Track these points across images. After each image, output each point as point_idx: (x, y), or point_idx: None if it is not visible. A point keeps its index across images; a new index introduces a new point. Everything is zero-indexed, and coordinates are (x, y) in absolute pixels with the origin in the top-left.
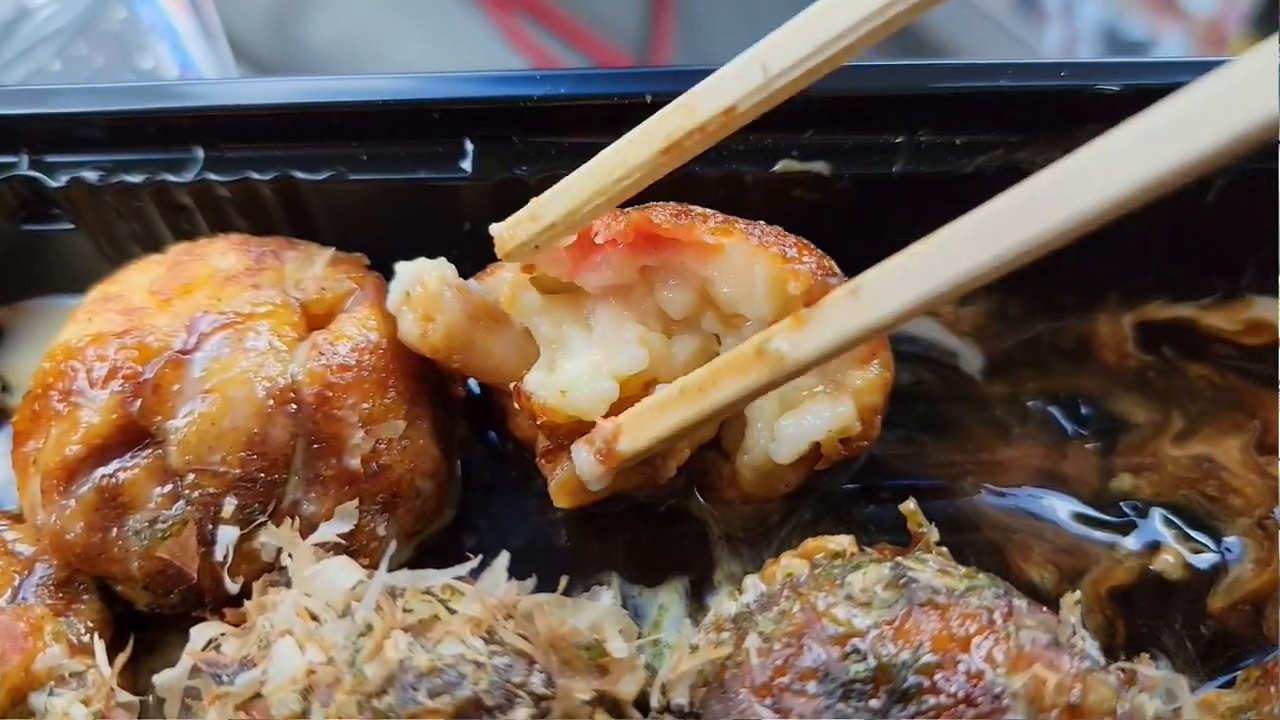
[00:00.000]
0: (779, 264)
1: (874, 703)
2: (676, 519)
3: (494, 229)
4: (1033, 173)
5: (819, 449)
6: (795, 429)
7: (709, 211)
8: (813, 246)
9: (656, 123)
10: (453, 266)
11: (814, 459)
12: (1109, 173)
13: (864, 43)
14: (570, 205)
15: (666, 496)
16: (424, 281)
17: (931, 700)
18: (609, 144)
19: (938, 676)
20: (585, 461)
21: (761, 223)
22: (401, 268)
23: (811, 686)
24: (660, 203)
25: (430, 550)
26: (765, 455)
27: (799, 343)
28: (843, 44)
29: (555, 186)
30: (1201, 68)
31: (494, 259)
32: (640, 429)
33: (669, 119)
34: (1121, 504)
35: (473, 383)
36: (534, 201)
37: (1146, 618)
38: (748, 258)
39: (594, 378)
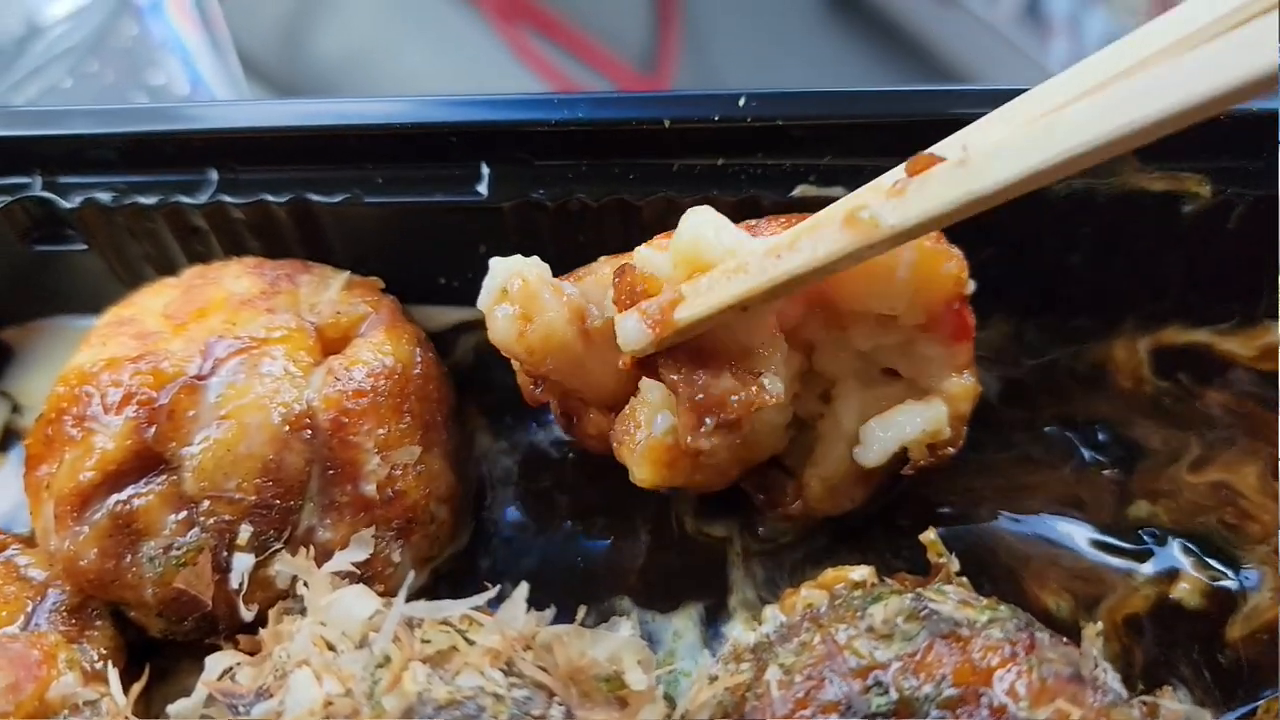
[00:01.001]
0: (933, 257)
1: None
2: (690, 543)
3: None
4: (1053, 198)
5: (904, 455)
6: (886, 430)
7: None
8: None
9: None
10: (547, 265)
11: (896, 466)
12: (1222, 65)
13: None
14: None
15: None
16: (524, 277)
17: None
18: (626, 167)
19: (960, 711)
20: (633, 327)
21: None
22: (497, 263)
23: None
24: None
25: (445, 576)
26: (837, 467)
27: (896, 209)
28: None
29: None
30: None
31: None
32: (700, 296)
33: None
34: (1139, 531)
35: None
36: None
37: (1163, 646)
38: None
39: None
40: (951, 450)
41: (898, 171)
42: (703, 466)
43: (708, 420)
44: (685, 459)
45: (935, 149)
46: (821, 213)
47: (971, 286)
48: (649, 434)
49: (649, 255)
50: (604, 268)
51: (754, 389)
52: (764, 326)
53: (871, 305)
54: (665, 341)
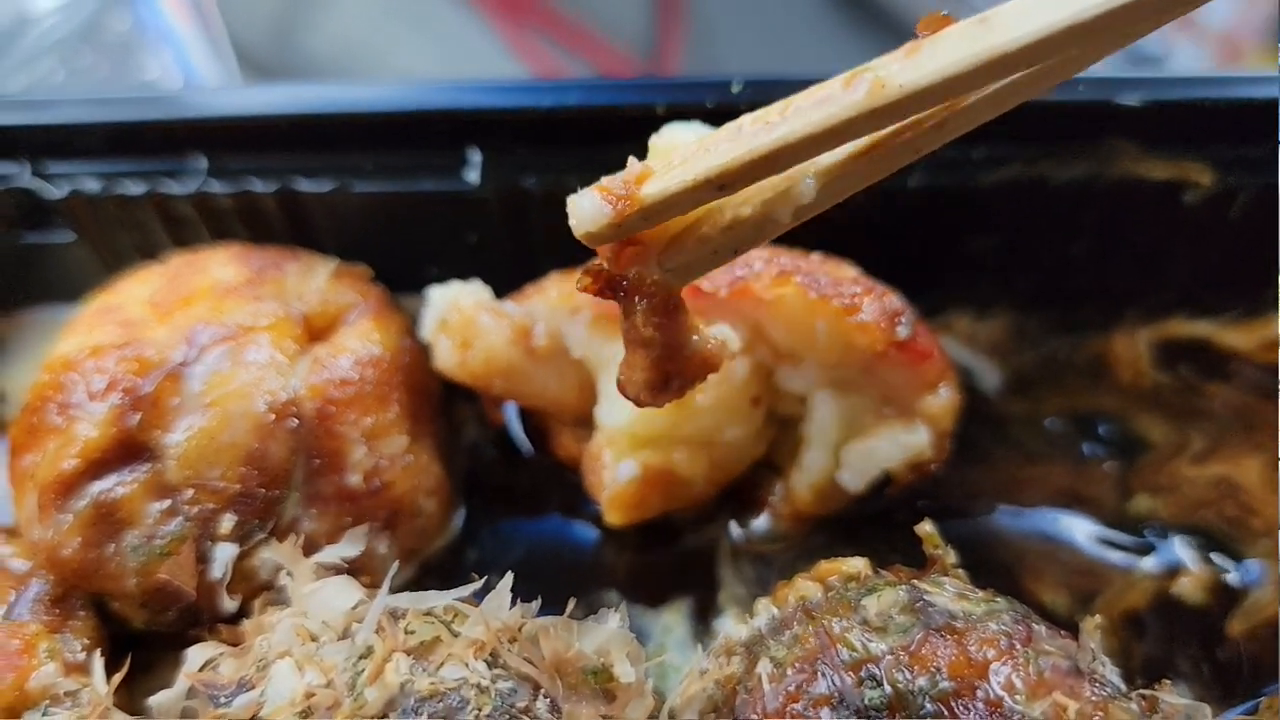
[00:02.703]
0: (841, 318)
1: None
2: (680, 538)
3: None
4: (1054, 186)
5: (888, 475)
6: (867, 457)
7: (764, 253)
8: (872, 285)
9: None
10: (488, 289)
11: (882, 483)
12: None
13: None
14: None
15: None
16: (460, 307)
17: None
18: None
19: (955, 704)
20: (590, 204)
21: (817, 260)
22: (435, 293)
23: (825, 714)
24: None
25: (432, 569)
26: (823, 475)
27: (908, 68)
28: None
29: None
30: (1218, 82)
31: (504, 272)
32: (673, 170)
33: None
34: (1140, 526)
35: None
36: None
37: (1162, 642)
38: (807, 311)
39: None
40: (934, 467)
41: None
42: (676, 495)
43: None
44: (654, 496)
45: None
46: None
47: (903, 333)
48: (615, 480)
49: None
50: (551, 290)
51: (713, 343)
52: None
53: (809, 357)
54: (627, 224)
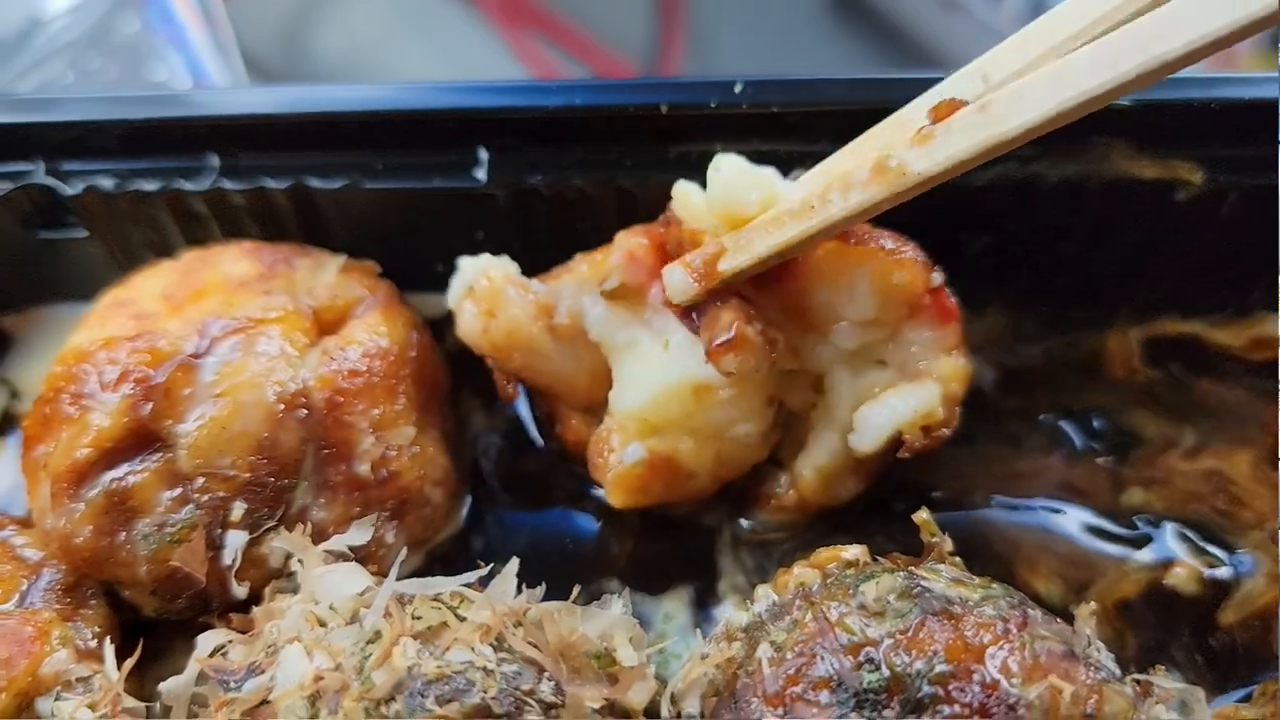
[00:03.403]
0: (883, 259)
1: (887, 713)
2: (680, 528)
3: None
4: (1047, 186)
5: (899, 440)
6: (879, 416)
7: None
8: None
9: (870, 135)
10: (515, 265)
11: (890, 452)
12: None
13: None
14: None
15: (717, 510)
16: (489, 276)
17: (946, 710)
18: (623, 153)
19: (952, 687)
20: (679, 279)
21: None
22: (465, 262)
23: (824, 696)
24: None
25: (439, 557)
26: (832, 458)
27: (923, 156)
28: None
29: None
30: (1209, 83)
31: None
32: (743, 248)
33: (881, 134)
34: (1135, 518)
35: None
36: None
37: (1155, 630)
38: (847, 261)
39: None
40: (946, 432)
41: (916, 110)
42: (679, 485)
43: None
44: (657, 483)
45: (957, 81)
46: (845, 156)
47: (937, 280)
48: (621, 462)
49: (688, 195)
50: (581, 265)
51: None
52: None
53: (845, 315)
54: (710, 291)
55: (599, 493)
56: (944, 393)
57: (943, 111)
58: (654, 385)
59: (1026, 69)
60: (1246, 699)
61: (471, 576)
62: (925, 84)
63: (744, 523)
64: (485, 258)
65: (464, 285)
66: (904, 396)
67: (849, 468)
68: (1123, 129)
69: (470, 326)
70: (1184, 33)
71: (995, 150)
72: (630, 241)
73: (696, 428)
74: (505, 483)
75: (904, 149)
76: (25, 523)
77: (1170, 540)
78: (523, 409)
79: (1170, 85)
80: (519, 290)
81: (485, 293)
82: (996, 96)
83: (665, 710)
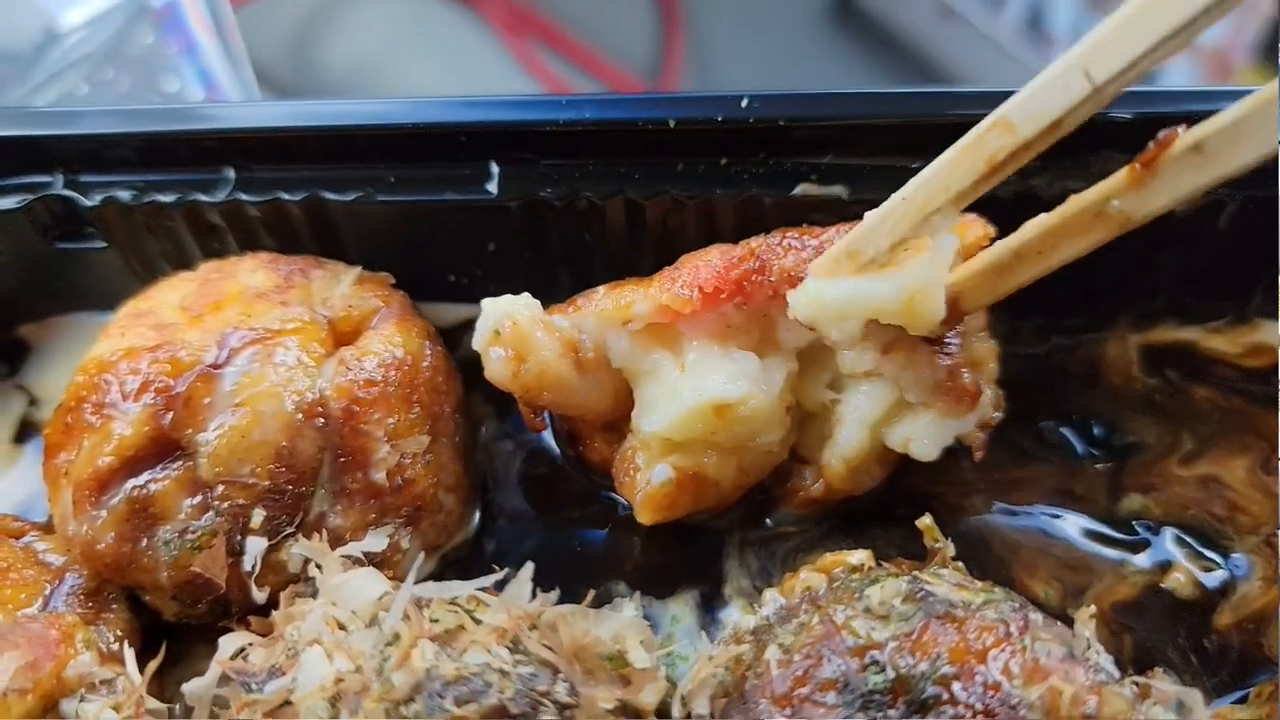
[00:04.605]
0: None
1: (892, 713)
2: (686, 532)
3: (813, 268)
4: (1047, 197)
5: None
6: (938, 430)
7: (797, 244)
8: None
9: (975, 141)
10: (538, 303)
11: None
12: None
13: (1184, 41)
14: (892, 238)
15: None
16: (516, 320)
17: (949, 711)
18: (631, 167)
19: (955, 687)
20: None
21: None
22: (489, 304)
23: (831, 697)
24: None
25: (452, 562)
26: (859, 451)
27: (1143, 201)
28: (1169, 44)
29: (868, 221)
30: (1206, 95)
31: (522, 280)
32: (979, 292)
33: (989, 139)
34: (1134, 523)
35: None
36: (848, 240)
37: (1151, 632)
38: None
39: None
40: (999, 416)
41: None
42: (705, 496)
43: None
44: (685, 498)
45: (1053, 79)
46: (1066, 212)
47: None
48: (649, 482)
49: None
50: (605, 301)
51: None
52: None
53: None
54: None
55: (607, 497)
56: (987, 378)
57: (1154, 155)
58: (676, 407)
59: (1136, 63)
60: (1242, 700)
61: (487, 581)
62: (929, 98)
63: (749, 528)
64: (507, 299)
65: (489, 330)
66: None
67: (875, 457)
68: (1122, 142)
69: (500, 372)
70: None
71: (1209, 188)
72: (663, 296)
73: (719, 442)
74: (516, 488)
75: (1121, 194)
76: (47, 529)
77: (1169, 545)
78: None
79: (1168, 99)
80: (545, 331)
81: (512, 336)
82: (1210, 137)
83: (676, 710)
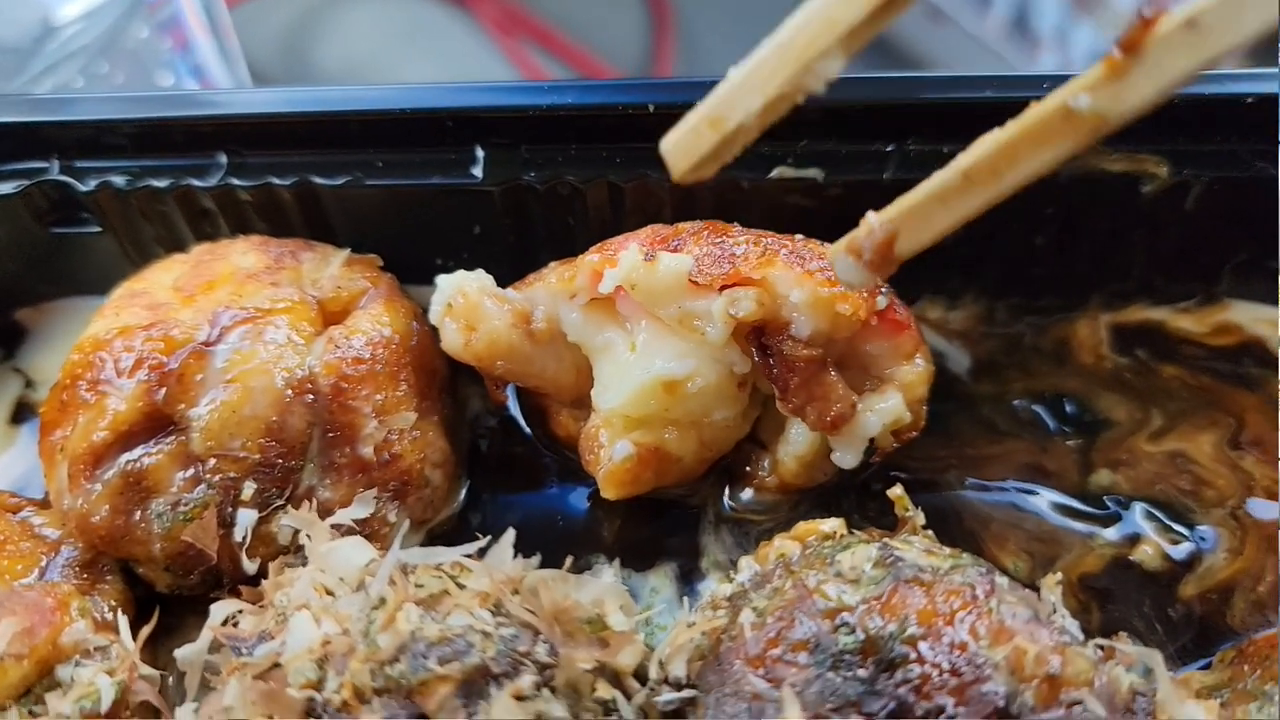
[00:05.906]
0: (826, 287)
1: (862, 672)
2: (666, 508)
3: (664, 146)
4: None
5: (873, 444)
6: (852, 431)
7: (747, 237)
8: None
9: None
10: (490, 277)
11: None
12: None
13: None
14: (765, 94)
15: (700, 493)
16: (465, 292)
17: (917, 669)
18: (612, 151)
19: (923, 647)
20: (849, 269)
21: (800, 239)
22: (442, 280)
23: (803, 657)
24: (695, 226)
25: (438, 537)
26: (809, 448)
27: (1120, 95)
28: None
29: (733, 76)
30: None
31: (506, 262)
32: (919, 227)
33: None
34: (1104, 498)
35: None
36: (706, 105)
37: (1117, 603)
38: (793, 285)
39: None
40: (914, 434)
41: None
42: (668, 472)
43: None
44: (647, 473)
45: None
46: (1030, 118)
47: (883, 304)
48: (611, 459)
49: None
50: (550, 276)
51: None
52: None
53: (799, 335)
54: (881, 275)
55: (587, 474)
56: (908, 398)
57: (1136, 36)
58: (628, 385)
59: None
60: (1206, 668)
61: (471, 548)
62: (903, 83)
63: (728, 501)
64: (460, 274)
65: (443, 302)
66: (871, 409)
67: (826, 453)
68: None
69: (453, 341)
70: None
71: (1198, 72)
72: (593, 259)
73: (676, 419)
74: (501, 465)
75: (1092, 88)
76: (43, 504)
77: (1138, 519)
78: (514, 401)
79: None
80: (495, 301)
81: (463, 308)
82: (1209, 9)
83: (653, 673)
